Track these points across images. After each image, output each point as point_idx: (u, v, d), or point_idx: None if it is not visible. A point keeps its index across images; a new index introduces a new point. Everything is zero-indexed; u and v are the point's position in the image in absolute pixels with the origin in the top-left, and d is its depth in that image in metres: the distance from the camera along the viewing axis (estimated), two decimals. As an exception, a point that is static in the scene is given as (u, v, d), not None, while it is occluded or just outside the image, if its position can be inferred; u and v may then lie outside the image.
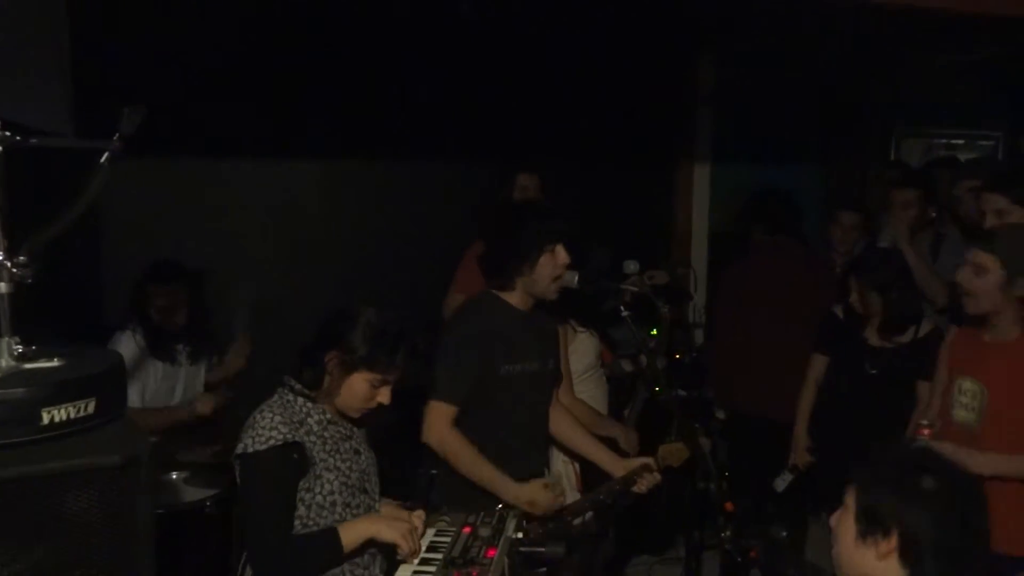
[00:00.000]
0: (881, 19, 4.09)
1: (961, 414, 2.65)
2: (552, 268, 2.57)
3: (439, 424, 2.54)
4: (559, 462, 3.15)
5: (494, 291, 2.69)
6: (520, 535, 2.09)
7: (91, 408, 1.43)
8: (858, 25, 4.32)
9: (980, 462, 2.44)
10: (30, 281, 1.46)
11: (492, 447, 2.57)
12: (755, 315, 4.11)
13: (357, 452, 2.18)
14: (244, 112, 4.15)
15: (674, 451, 2.83)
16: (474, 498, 2.46)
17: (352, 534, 2.02)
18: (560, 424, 2.91)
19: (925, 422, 2.65)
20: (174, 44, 3.91)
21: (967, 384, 2.66)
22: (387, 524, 2.07)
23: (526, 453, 2.74)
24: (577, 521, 2.84)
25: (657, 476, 2.76)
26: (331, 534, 2.01)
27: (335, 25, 4.28)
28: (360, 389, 2.08)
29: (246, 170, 4.43)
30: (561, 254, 2.58)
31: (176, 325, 3.45)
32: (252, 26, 4.11)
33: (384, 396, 2.11)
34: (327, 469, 2.07)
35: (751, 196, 4.32)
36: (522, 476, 2.61)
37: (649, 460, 2.78)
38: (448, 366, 2.55)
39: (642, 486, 2.76)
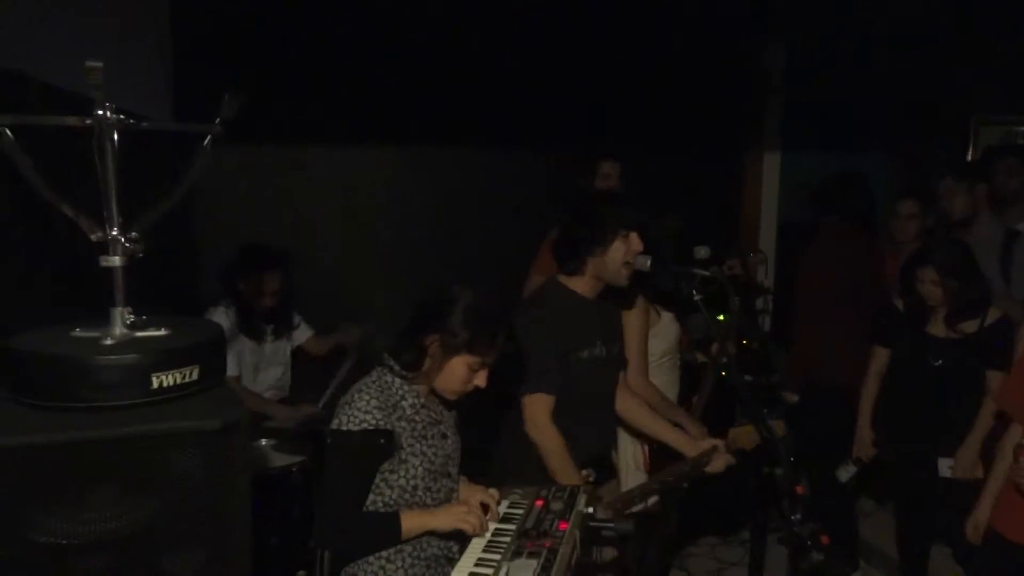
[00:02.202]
0: (959, 2, 4.00)
1: None
2: (624, 253, 2.63)
3: (542, 417, 2.59)
4: (628, 443, 3.18)
5: (560, 279, 2.75)
6: (591, 510, 2.14)
7: (195, 375, 1.53)
8: (935, 9, 4.23)
9: None
10: (141, 256, 1.56)
11: (562, 432, 2.62)
12: (807, 298, 4.11)
13: (444, 436, 2.23)
14: (330, 100, 4.29)
15: (744, 433, 2.84)
16: (529, 476, 2.51)
17: (412, 523, 2.09)
18: (630, 406, 2.95)
19: None
20: (264, 35, 4.06)
21: None
22: (445, 513, 2.12)
23: (592, 437, 2.79)
24: (639, 507, 2.86)
25: (730, 458, 2.79)
26: (393, 519, 2.08)
27: (413, 14, 4.37)
28: (460, 372, 2.12)
29: (328, 156, 4.57)
30: (635, 240, 2.63)
31: (267, 306, 3.63)
32: (335, 17, 4.24)
33: (481, 379, 2.15)
34: (413, 454, 2.13)
35: (821, 178, 4.28)
36: (587, 460, 2.66)
37: (720, 442, 2.81)
38: (535, 357, 2.60)
39: (714, 467, 2.79)
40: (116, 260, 1.54)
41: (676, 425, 3.09)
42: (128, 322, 1.55)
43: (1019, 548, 2.62)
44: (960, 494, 3.18)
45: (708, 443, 2.81)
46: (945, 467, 3.32)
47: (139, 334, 1.54)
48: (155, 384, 1.46)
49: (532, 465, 2.60)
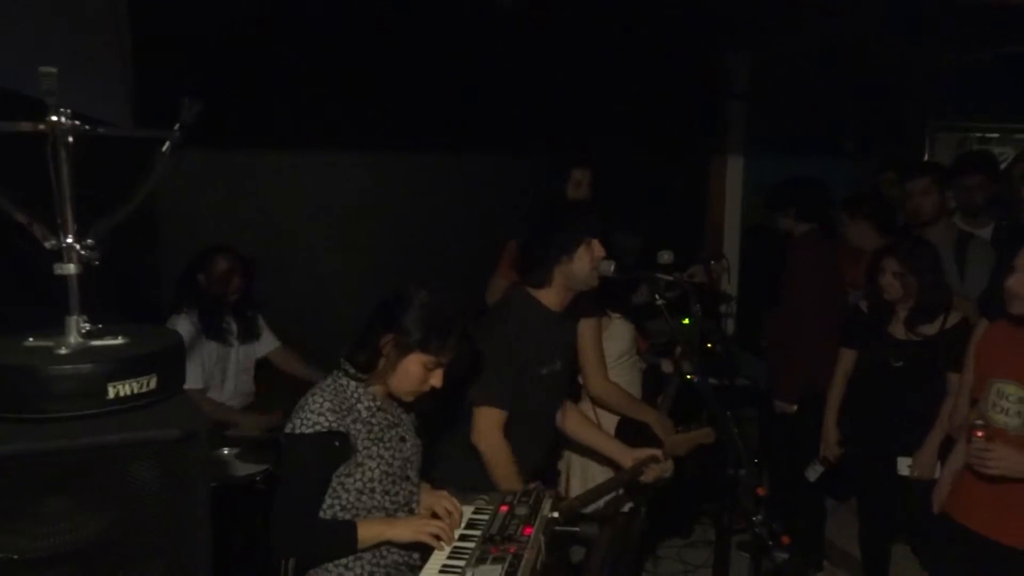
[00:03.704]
0: (916, 12, 4.08)
1: (1002, 419, 2.57)
2: (590, 260, 2.66)
3: (492, 430, 2.61)
4: (574, 456, 3.24)
5: (528, 290, 2.75)
6: (556, 514, 2.15)
7: (153, 384, 1.51)
8: (893, 19, 4.32)
9: None
10: (97, 264, 1.54)
11: (511, 442, 2.64)
12: (786, 305, 4.17)
13: (403, 439, 2.23)
14: (295, 104, 4.27)
15: (682, 440, 2.93)
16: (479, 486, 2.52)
17: (369, 533, 2.08)
18: (570, 419, 3.01)
19: (980, 422, 2.56)
20: (228, 38, 4.02)
21: (1010, 389, 2.57)
22: (404, 525, 2.12)
23: (538, 450, 2.84)
24: (591, 508, 2.91)
25: (666, 465, 2.88)
26: (349, 528, 2.07)
27: (385, 20, 4.37)
28: (414, 372, 2.12)
29: (298, 162, 4.55)
30: (597, 247, 2.67)
31: (228, 297, 3.60)
32: (305, 20, 4.22)
33: (437, 379, 2.16)
34: (369, 457, 2.12)
35: (783, 184, 4.31)
36: (532, 472, 2.69)
37: (657, 452, 2.89)
38: (493, 371, 2.61)
39: (649, 476, 2.88)
40: (71, 268, 1.52)
41: (644, 423, 3.14)
42: (83, 331, 1.53)
43: (965, 530, 2.68)
44: (919, 493, 3.24)
45: (644, 453, 2.88)
46: (904, 466, 3.37)
47: (95, 343, 1.52)
48: (111, 394, 1.44)
49: (475, 475, 2.62)
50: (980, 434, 2.52)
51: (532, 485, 2.51)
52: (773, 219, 4.22)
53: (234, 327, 3.66)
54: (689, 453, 2.99)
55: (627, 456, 2.90)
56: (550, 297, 2.73)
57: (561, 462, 3.39)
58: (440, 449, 2.72)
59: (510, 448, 2.61)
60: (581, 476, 3.35)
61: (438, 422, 2.68)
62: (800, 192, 4.16)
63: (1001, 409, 2.58)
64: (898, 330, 3.39)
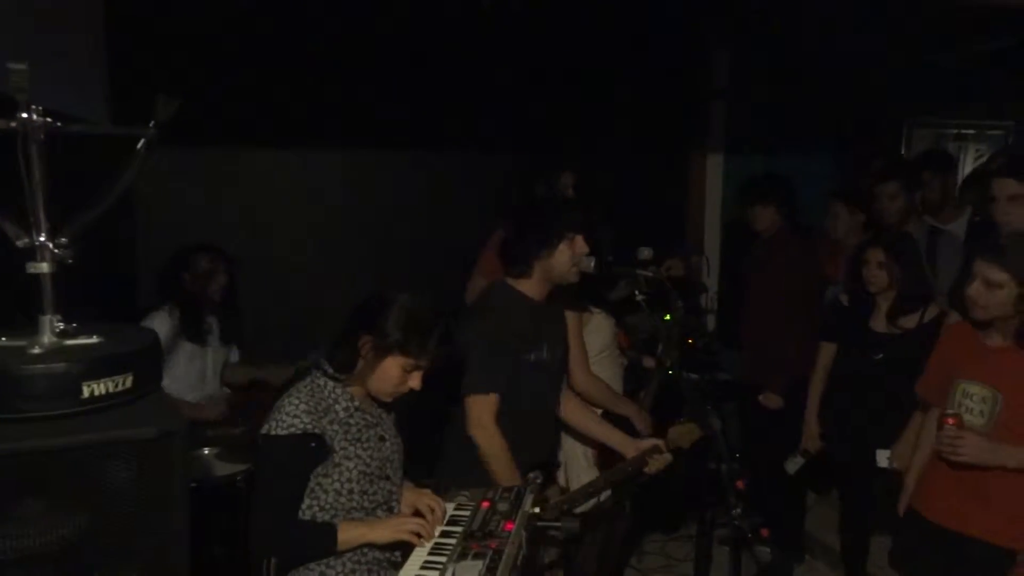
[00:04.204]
0: (894, 9, 4.12)
1: (967, 418, 2.60)
2: (571, 256, 2.68)
3: (487, 418, 2.60)
4: (575, 443, 3.22)
5: (507, 282, 2.77)
6: (537, 510, 2.15)
7: (129, 383, 1.49)
8: (871, 16, 4.35)
9: (1010, 454, 2.48)
10: (71, 262, 1.52)
11: (511, 435, 2.64)
12: (765, 300, 4.18)
13: (382, 439, 2.22)
14: (274, 102, 4.25)
15: (684, 432, 2.92)
16: (476, 480, 2.52)
17: (350, 535, 2.08)
18: (572, 410, 3.00)
19: (951, 411, 2.60)
20: (205, 36, 3.99)
21: (974, 388, 2.61)
22: (384, 526, 2.12)
23: (536, 441, 2.82)
24: (591, 503, 2.90)
25: (668, 456, 2.88)
26: (329, 530, 2.07)
27: (364, 18, 4.35)
28: (392, 373, 2.12)
29: (276, 159, 4.53)
30: (580, 243, 2.69)
31: (211, 296, 3.54)
32: (281, 17, 4.20)
33: (415, 381, 2.15)
34: (347, 458, 2.11)
35: (761, 179, 4.32)
36: (531, 464, 2.64)
37: (660, 442, 2.88)
38: (482, 360, 2.61)
39: (653, 467, 2.87)
40: (44, 267, 1.50)
41: (624, 418, 3.15)
42: (57, 329, 1.51)
43: (931, 524, 2.71)
44: (898, 485, 3.27)
45: (648, 443, 2.88)
46: (883, 458, 3.40)
47: (69, 342, 1.50)
48: (86, 393, 1.42)
49: (477, 471, 2.61)
50: (951, 422, 2.55)
51: (532, 475, 2.51)
52: (752, 214, 4.23)
53: (215, 328, 3.61)
54: (692, 445, 2.97)
55: (631, 446, 2.89)
56: (530, 288, 2.74)
57: (561, 452, 3.37)
58: (433, 447, 2.73)
59: (503, 441, 2.60)
60: (586, 466, 3.35)
61: (434, 420, 2.68)
62: (781, 187, 4.19)
63: (967, 409, 2.62)
64: (878, 324, 3.42)
